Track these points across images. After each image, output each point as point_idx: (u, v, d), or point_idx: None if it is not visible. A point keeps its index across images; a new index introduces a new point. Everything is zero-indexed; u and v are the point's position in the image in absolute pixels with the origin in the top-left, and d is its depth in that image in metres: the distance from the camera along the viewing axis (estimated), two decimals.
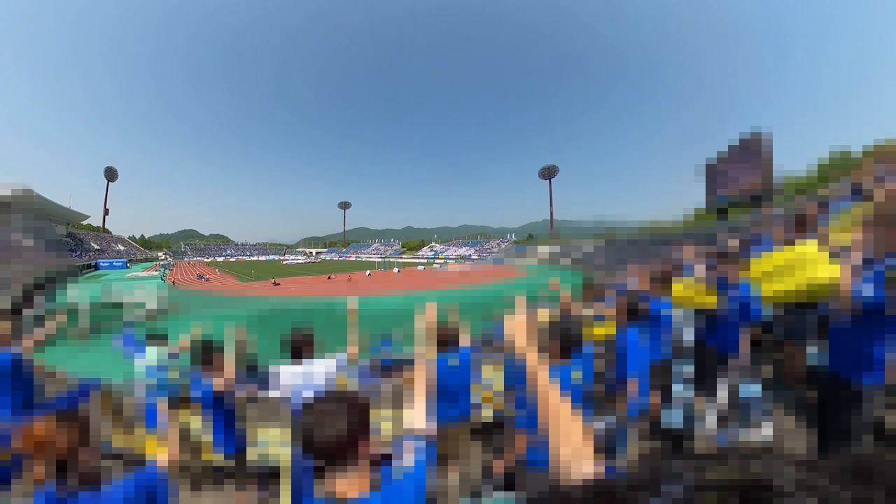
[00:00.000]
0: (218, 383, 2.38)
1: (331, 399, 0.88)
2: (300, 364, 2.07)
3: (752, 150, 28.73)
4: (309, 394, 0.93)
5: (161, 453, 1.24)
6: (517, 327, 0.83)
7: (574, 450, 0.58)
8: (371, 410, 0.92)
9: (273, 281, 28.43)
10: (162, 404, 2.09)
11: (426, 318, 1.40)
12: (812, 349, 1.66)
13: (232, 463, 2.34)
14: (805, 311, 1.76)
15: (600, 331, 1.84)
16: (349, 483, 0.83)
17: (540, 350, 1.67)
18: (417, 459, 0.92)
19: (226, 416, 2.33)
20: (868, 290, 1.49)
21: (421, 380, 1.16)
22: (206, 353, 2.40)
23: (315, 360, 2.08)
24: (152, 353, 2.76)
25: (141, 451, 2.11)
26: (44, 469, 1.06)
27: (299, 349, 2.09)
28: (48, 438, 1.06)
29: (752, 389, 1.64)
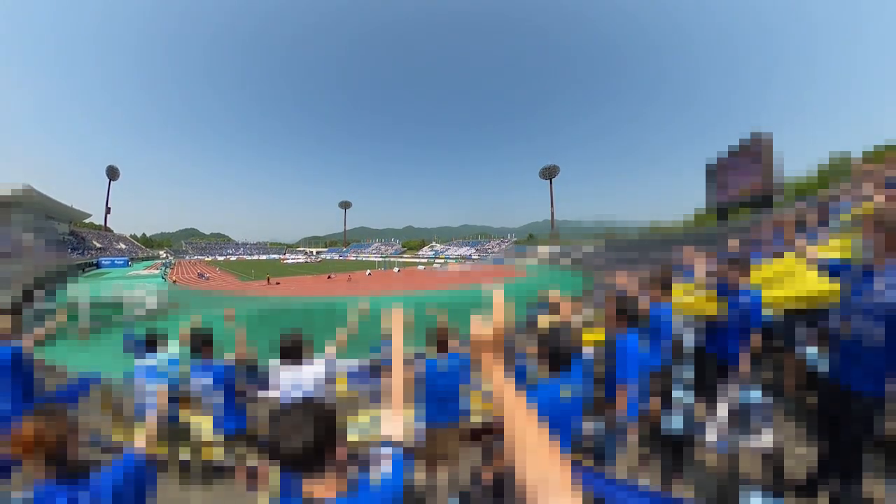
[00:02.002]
0: (229, 358, 2.48)
1: (296, 411, 0.90)
2: (291, 367, 2.10)
3: (753, 152, 28.69)
4: (277, 396, 0.96)
5: (139, 438, 1.29)
6: (481, 337, 0.73)
7: (545, 480, 0.49)
8: (361, 410, 0.93)
9: (268, 279, 28.26)
10: (161, 390, 2.12)
11: (394, 322, 1.35)
12: (812, 354, 1.65)
13: (231, 456, 2.37)
14: (804, 317, 1.75)
15: (589, 337, 1.82)
16: (325, 486, 0.87)
17: (533, 359, 1.63)
18: (394, 468, 0.94)
19: (229, 392, 2.40)
20: (871, 297, 1.47)
21: (399, 388, 1.15)
22: (206, 342, 2.50)
23: (304, 364, 2.10)
24: (173, 347, 2.81)
25: (141, 445, 2.16)
26: (38, 467, 1.10)
27: (289, 351, 2.12)
28: (37, 436, 1.09)
29: (753, 396, 1.63)
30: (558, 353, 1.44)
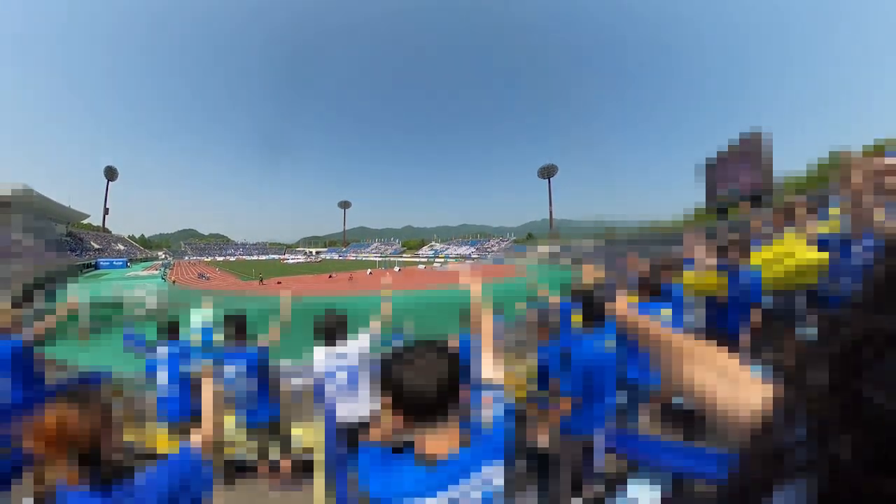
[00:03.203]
0: (263, 347, 2.41)
1: (422, 349, 0.80)
2: (333, 346, 2.04)
3: (751, 149, 28.73)
4: (397, 343, 0.88)
5: (194, 434, 1.08)
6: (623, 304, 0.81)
7: (733, 382, 0.47)
8: None
9: (261, 280, 28.20)
10: (206, 368, 2.04)
11: (472, 278, 1.44)
12: (808, 329, 1.67)
13: (254, 456, 2.29)
14: (801, 292, 1.80)
15: (633, 299, 1.87)
16: (439, 441, 0.76)
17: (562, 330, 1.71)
18: (498, 412, 0.88)
19: (263, 380, 2.34)
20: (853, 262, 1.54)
21: (488, 333, 1.19)
22: (240, 328, 2.41)
23: (347, 342, 2.05)
24: (197, 317, 2.71)
25: (152, 445, 2.08)
26: (61, 466, 0.85)
27: (328, 333, 2.06)
28: (61, 427, 0.84)
29: (761, 369, 1.65)
30: (592, 309, 1.52)
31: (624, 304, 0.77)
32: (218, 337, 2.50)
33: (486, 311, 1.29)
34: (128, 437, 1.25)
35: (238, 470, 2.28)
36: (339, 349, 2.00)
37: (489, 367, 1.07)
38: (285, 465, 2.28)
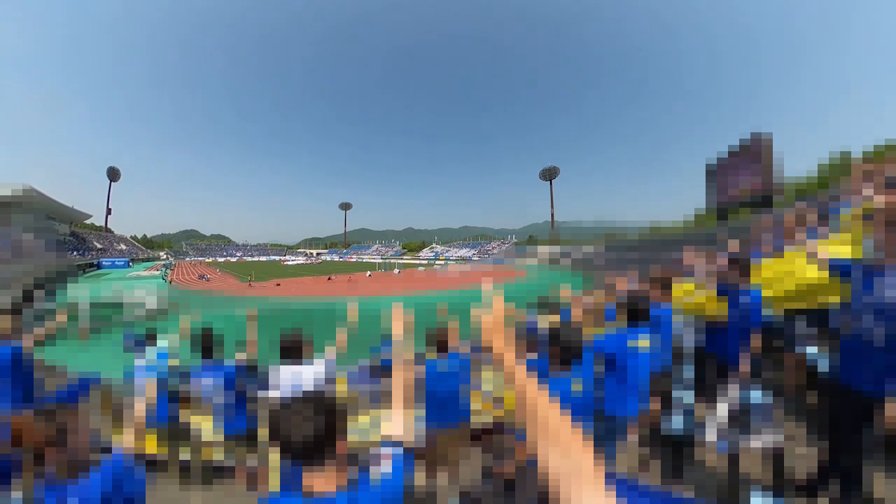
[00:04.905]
0: (241, 358, 2.47)
1: (299, 401, 0.92)
2: (291, 366, 2.08)
3: (753, 153, 28.69)
4: (278, 396, 0.96)
5: (126, 436, 1.25)
6: (489, 323, 0.70)
7: (575, 469, 0.46)
8: (362, 411, 0.93)
9: (250, 283, 28.08)
10: (150, 384, 2.10)
11: (394, 318, 1.31)
12: (812, 353, 1.64)
13: (232, 456, 2.36)
14: (805, 314, 1.74)
15: (600, 330, 1.82)
16: (325, 480, 0.87)
17: (540, 356, 1.64)
18: (395, 467, 0.93)
19: (236, 393, 2.39)
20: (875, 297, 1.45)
21: (399, 387, 1.13)
22: (207, 345, 2.49)
23: (304, 364, 2.09)
24: (163, 342, 2.80)
25: (140, 447, 2.13)
26: (28, 466, 1.05)
27: (289, 351, 2.10)
28: (26, 434, 1.05)
29: (753, 396, 1.63)
30: (569, 348, 1.45)
31: (505, 353, 0.65)
32: (175, 360, 2.59)
33: (408, 367, 1.21)
34: (116, 437, 1.35)
35: (216, 471, 2.36)
36: (295, 370, 2.04)
37: (399, 423, 1.06)
38: (262, 468, 2.33)
